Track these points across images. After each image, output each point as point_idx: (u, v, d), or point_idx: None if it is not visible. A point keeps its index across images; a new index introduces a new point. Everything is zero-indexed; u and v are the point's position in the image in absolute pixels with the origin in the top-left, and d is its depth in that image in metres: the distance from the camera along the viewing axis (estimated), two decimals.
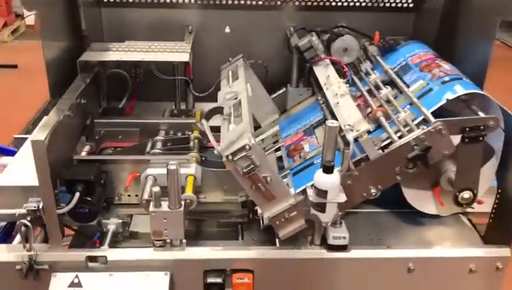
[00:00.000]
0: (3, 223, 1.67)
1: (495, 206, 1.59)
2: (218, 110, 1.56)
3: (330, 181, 1.33)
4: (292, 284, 1.51)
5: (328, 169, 1.32)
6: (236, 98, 1.61)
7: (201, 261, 1.48)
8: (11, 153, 2.04)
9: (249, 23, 2.17)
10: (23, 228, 1.40)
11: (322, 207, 1.36)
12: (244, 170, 1.35)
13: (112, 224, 1.61)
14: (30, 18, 7.31)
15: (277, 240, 1.53)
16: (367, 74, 1.82)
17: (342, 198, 1.35)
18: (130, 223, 1.66)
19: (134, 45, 1.92)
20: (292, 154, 1.76)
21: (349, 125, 1.40)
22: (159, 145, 1.78)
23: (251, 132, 1.39)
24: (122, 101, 2.09)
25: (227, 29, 2.17)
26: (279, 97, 2.09)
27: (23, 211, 1.42)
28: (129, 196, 1.68)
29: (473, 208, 1.65)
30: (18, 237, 1.56)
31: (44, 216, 1.41)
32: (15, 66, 6.08)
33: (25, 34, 7.24)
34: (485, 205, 1.65)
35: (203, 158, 1.74)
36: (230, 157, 1.35)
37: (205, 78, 2.06)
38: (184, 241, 1.49)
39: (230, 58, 2.00)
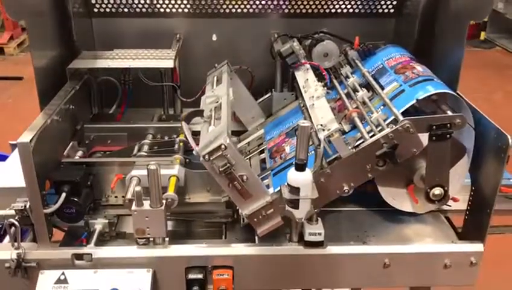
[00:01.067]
0: None
1: (469, 203, 1.64)
2: (198, 113, 1.63)
3: (302, 179, 1.39)
4: (271, 280, 1.56)
5: (300, 167, 1.38)
6: (217, 102, 1.68)
7: (183, 258, 1.54)
8: (3, 159, 2.12)
9: (235, 31, 2.24)
10: (11, 228, 1.47)
11: (295, 204, 1.41)
12: (221, 169, 1.41)
13: (98, 224, 1.67)
14: None
15: (256, 237, 1.58)
16: (346, 77, 1.88)
17: (314, 194, 1.41)
18: (117, 224, 1.72)
19: (122, 53, 1.99)
20: (274, 155, 1.82)
21: (321, 125, 1.46)
22: (145, 148, 1.85)
23: (228, 132, 1.45)
24: (112, 107, 2.16)
25: (214, 37, 2.24)
26: (265, 102, 2.15)
27: (11, 211, 1.49)
28: (116, 197, 1.74)
29: (449, 206, 1.69)
30: (7, 237, 1.63)
31: (32, 215, 1.48)
32: (20, 78, 6.22)
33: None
34: (462, 202, 1.70)
35: (187, 160, 1.80)
36: (207, 156, 1.41)
37: (193, 84, 2.12)
38: (167, 239, 1.55)
39: (216, 65, 2.07)
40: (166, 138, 1.94)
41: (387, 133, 1.42)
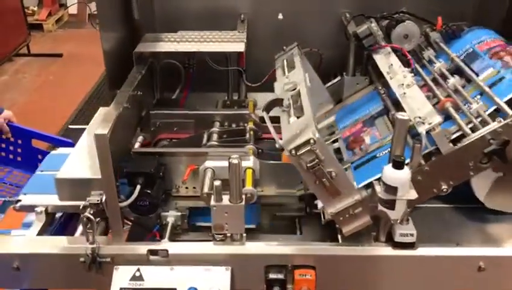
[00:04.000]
0: (59, 215, 1.69)
1: None
2: (278, 102, 1.52)
3: (400, 177, 1.27)
4: (355, 281, 1.47)
5: (398, 164, 1.26)
6: (294, 89, 1.57)
7: (262, 256, 1.45)
8: (68, 144, 2.07)
9: (303, 10, 2.10)
10: (86, 221, 1.40)
11: (391, 204, 1.30)
12: (308, 165, 1.31)
13: (171, 217, 1.61)
14: (73, 7, 7.48)
15: (339, 236, 1.49)
16: (430, 62, 1.74)
17: (413, 195, 1.29)
18: (189, 216, 1.65)
19: (189, 35, 1.89)
20: (352, 146, 1.70)
21: (419, 117, 1.33)
22: (215, 137, 1.76)
23: (315, 125, 1.34)
24: (175, 92, 2.06)
25: (280, 16, 2.11)
26: (334, 86, 2.03)
27: (85, 203, 1.42)
28: (187, 188, 1.66)
29: None
30: (79, 230, 1.58)
31: (107, 209, 1.41)
32: (60, 55, 6.22)
33: (68, 23, 7.39)
34: None
35: (259, 150, 1.71)
36: (293, 151, 1.31)
37: (258, 68, 2.01)
38: (244, 235, 1.47)
39: (284, 47, 1.95)
40: (234, 126, 1.84)
41: (495, 127, 1.29)
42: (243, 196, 1.42)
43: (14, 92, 5.30)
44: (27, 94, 5.32)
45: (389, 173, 1.28)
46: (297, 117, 1.44)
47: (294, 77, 1.65)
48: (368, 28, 1.80)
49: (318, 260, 1.44)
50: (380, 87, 1.77)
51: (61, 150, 1.96)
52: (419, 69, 1.72)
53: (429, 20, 1.87)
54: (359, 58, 1.97)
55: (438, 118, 1.32)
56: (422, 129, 1.30)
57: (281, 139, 1.38)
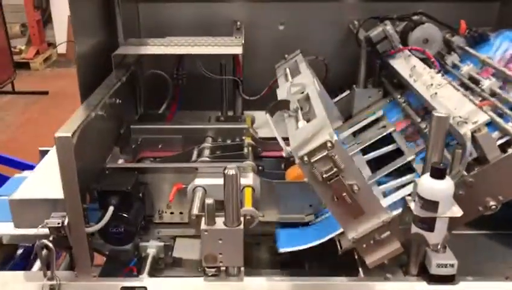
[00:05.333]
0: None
1: None
2: (282, 105, 1.27)
3: (442, 189, 1.01)
4: None
5: (438, 173, 1.00)
6: (303, 92, 1.32)
7: None
8: (32, 168, 1.79)
9: (305, 18, 1.89)
10: (43, 251, 1.11)
11: (429, 224, 1.03)
12: (325, 175, 1.04)
13: (151, 248, 1.32)
14: (62, 46, 7.33)
15: (360, 269, 1.20)
16: (454, 67, 1.51)
17: (457, 212, 1.02)
18: (173, 247, 1.36)
19: (177, 40, 1.65)
20: (413, 138, 1.40)
21: (459, 117, 1.08)
22: (206, 152, 1.49)
23: (331, 127, 1.09)
24: (160, 107, 1.81)
25: (281, 27, 1.90)
26: (342, 101, 1.78)
27: (43, 230, 1.13)
28: (172, 213, 1.39)
29: None
30: (38, 263, 1.27)
31: (70, 235, 1.12)
32: (46, 93, 6.00)
33: (56, 62, 7.22)
34: None
35: (260, 167, 1.44)
36: (306, 158, 1.04)
37: (255, 81, 1.79)
38: (242, 269, 1.18)
39: (286, 55, 1.72)
40: (228, 142, 1.58)
41: None
42: (241, 218, 1.14)
43: None
44: (9, 131, 5.05)
45: (428, 185, 1.01)
46: (307, 121, 1.19)
47: (302, 79, 1.41)
48: (383, 30, 1.58)
49: None
50: (400, 97, 1.53)
51: (27, 173, 1.67)
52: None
53: (449, 25, 1.66)
54: (370, 69, 1.74)
55: (483, 116, 1.07)
56: (466, 130, 1.04)
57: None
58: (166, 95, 1.78)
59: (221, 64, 1.72)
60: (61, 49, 7.35)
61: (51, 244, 1.09)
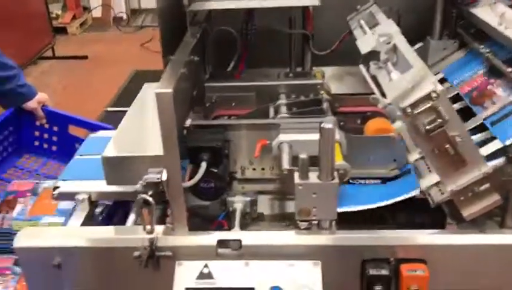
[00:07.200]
0: (103, 205, 1.44)
1: None
2: (374, 56, 1.24)
3: None
4: (478, 278, 1.17)
5: None
6: (389, 42, 1.28)
7: (360, 248, 1.16)
8: (109, 130, 1.82)
9: None
10: (143, 205, 1.13)
11: None
12: (428, 127, 1.02)
13: (238, 203, 1.33)
14: (97, 10, 7.33)
15: (453, 223, 1.19)
16: None
17: None
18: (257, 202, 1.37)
19: None
20: (478, 101, 1.35)
21: None
22: (283, 109, 1.48)
23: (433, 76, 1.06)
24: (226, 66, 1.79)
25: None
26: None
27: (141, 183, 1.15)
28: (254, 169, 1.40)
29: None
30: (131, 219, 1.31)
31: (168, 191, 1.14)
32: (85, 57, 6.05)
33: (92, 26, 7.24)
34: None
35: (341, 123, 1.43)
36: (409, 109, 1.02)
37: (324, 35, 1.74)
38: (333, 222, 1.19)
39: (358, 6, 1.67)
40: (303, 98, 1.56)
41: None
42: (335, 173, 1.14)
43: None
44: (53, 96, 5.14)
45: None
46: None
47: (384, 30, 1.36)
48: None
49: (429, 251, 1.15)
50: (482, 48, 1.47)
51: (102, 133, 1.71)
52: None
53: None
54: (446, 18, 1.67)
55: None
56: None
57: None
58: (233, 54, 1.76)
59: (290, 18, 1.69)
60: (96, 13, 7.36)
61: (151, 199, 1.11)
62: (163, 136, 1.07)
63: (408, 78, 1.07)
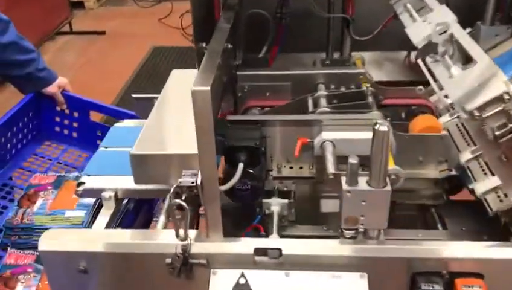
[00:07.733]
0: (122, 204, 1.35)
1: None
2: (432, 48, 1.11)
3: None
4: None
5: None
6: (445, 32, 1.16)
7: (410, 260, 1.06)
8: (132, 117, 1.73)
9: None
10: (176, 210, 1.04)
11: None
12: (497, 132, 0.91)
13: (275, 205, 1.24)
14: None
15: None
16: None
17: None
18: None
19: None
20: None
21: None
22: (323, 102, 1.37)
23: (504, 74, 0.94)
24: (258, 51, 1.68)
25: None
26: None
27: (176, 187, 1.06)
28: (291, 168, 1.30)
29: None
30: (161, 221, 1.22)
31: (202, 195, 1.04)
32: (103, 33, 5.95)
33: (109, 1, 7.11)
34: None
35: (388, 119, 1.31)
36: (476, 112, 0.90)
37: (364, 19, 1.62)
38: (382, 231, 1.09)
39: None
40: (343, 89, 1.45)
41: None
42: (387, 179, 1.03)
43: (58, 71, 5.00)
44: (71, 72, 5.06)
45: None
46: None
47: (437, 18, 1.23)
48: None
49: (488, 265, 1.05)
50: None
51: (127, 122, 1.62)
52: None
53: None
54: (498, 3, 1.53)
55: None
56: None
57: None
58: (267, 37, 1.64)
59: (329, 1, 1.56)
60: None
61: (184, 204, 1.02)
62: (198, 137, 0.97)
63: (473, 76, 0.95)
